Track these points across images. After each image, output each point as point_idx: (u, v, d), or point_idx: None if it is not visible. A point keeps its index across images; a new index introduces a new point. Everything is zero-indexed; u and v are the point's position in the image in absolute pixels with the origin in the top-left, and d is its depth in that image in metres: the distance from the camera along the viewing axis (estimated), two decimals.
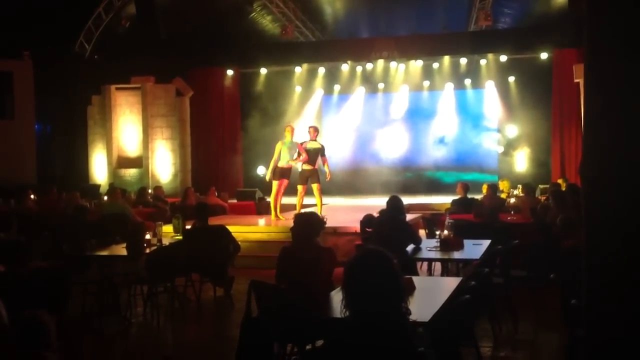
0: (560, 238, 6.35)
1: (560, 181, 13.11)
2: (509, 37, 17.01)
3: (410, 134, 19.60)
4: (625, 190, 2.48)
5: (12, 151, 15.98)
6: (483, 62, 17.81)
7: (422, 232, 9.09)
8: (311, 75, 18.97)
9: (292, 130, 11.47)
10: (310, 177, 11.23)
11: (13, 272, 5.33)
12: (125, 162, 17.44)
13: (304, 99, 19.50)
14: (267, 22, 18.99)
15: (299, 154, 11.23)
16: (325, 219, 8.11)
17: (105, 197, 12.74)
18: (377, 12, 18.08)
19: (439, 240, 6.96)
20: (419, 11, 17.97)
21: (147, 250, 7.33)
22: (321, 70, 18.81)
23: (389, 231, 6.85)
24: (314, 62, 18.31)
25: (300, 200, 11.41)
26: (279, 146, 11.32)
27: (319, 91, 19.60)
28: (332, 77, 19.30)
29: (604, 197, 2.53)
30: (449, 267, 7.54)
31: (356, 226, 9.68)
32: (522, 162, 18.02)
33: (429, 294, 4.73)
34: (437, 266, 8.18)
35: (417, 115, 19.52)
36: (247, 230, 10.89)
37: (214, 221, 9.37)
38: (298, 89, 19.27)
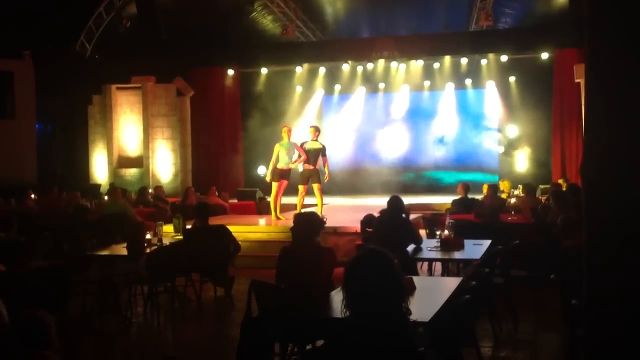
0: (561, 238, 6.35)
1: (560, 181, 13.11)
2: (509, 37, 17.01)
3: (411, 134, 19.59)
4: (626, 190, 2.48)
5: (13, 151, 15.98)
6: (484, 62, 17.80)
7: (422, 232, 9.08)
8: (312, 75, 18.97)
9: (289, 130, 11.47)
10: (311, 177, 11.23)
11: (13, 272, 5.34)
12: (125, 161, 17.44)
13: (305, 99, 19.50)
14: (267, 22, 19.00)
15: (299, 156, 11.25)
16: (325, 219, 8.12)
17: (106, 197, 12.74)
18: (378, 12, 18.08)
19: (439, 240, 6.96)
20: (420, 11, 17.97)
21: (148, 250, 7.33)
22: (322, 70, 18.81)
23: (389, 231, 6.85)
24: (315, 62, 18.30)
25: (301, 200, 11.42)
26: (277, 148, 11.33)
27: (319, 91, 19.60)
28: (332, 77, 19.30)
29: (604, 197, 2.53)
30: (449, 267, 7.54)
31: (356, 226, 9.68)
32: (522, 162, 18.01)
33: (430, 294, 4.73)
34: (438, 266, 8.17)
35: (418, 115, 19.51)
36: (248, 230, 10.89)
37: (214, 221, 9.37)
38: (299, 89, 19.26)
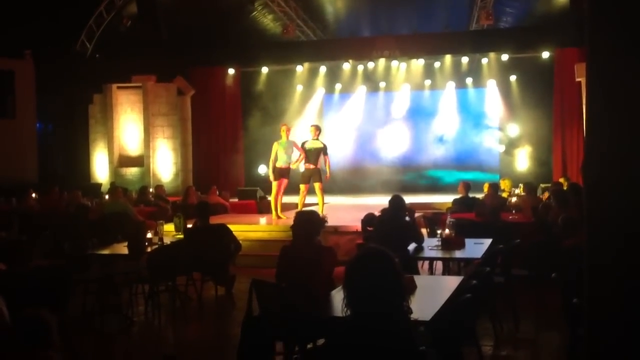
0: (562, 237, 6.35)
1: (561, 180, 13.11)
2: (510, 36, 17.01)
3: (412, 133, 19.58)
4: (628, 190, 2.48)
5: (14, 150, 15.99)
6: (484, 61, 17.79)
7: (423, 231, 9.08)
8: (312, 74, 18.96)
9: (288, 129, 11.48)
10: (313, 176, 11.23)
11: (14, 271, 5.34)
12: (126, 161, 17.44)
13: (305, 98, 19.49)
14: (268, 21, 18.99)
15: (299, 155, 11.27)
16: (325, 218, 8.12)
17: (107, 196, 12.75)
18: (379, 11, 18.07)
19: (440, 239, 6.96)
20: (420, 10, 17.96)
21: (149, 249, 7.34)
22: (322, 69, 18.80)
23: (390, 230, 6.85)
24: (315, 61, 18.30)
25: (302, 200, 11.41)
26: (275, 146, 11.35)
27: (320, 90, 19.59)
28: (333, 76, 19.29)
29: (606, 196, 2.52)
30: (450, 266, 7.54)
31: (357, 225, 9.69)
32: (523, 161, 18.00)
33: (430, 293, 4.73)
34: (439, 265, 8.17)
35: (419, 114, 19.50)
36: (248, 229, 10.89)
37: (215, 220, 9.38)
38: (299, 88, 19.26)
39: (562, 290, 5.00)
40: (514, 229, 8.36)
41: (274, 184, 11.37)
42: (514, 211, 10.32)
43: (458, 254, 6.70)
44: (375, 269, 2.78)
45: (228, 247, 8.14)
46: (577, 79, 14.66)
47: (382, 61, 18.02)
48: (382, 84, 19.23)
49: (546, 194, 11.58)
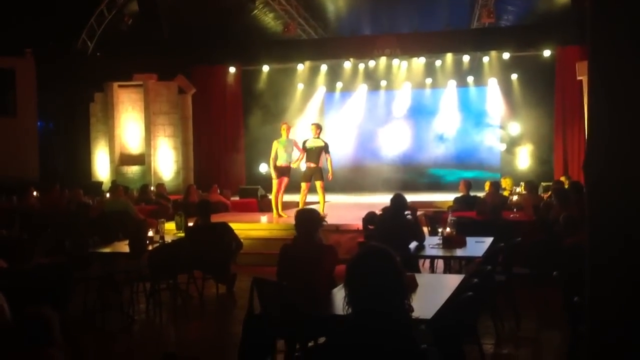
0: (563, 236, 6.35)
1: (563, 179, 13.10)
2: (511, 34, 16.99)
3: (413, 131, 19.58)
4: (630, 189, 2.48)
5: (15, 148, 15.99)
6: (486, 59, 17.78)
7: (424, 230, 9.08)
8: (313, 72, 18.95)
9: (288, 128, 11.48)
10: (314, 174, 11.25)
11: (15, 269, 5.34)
12: (127, 159, 17.44)
13: (306, 97, 19.48)
14: (269, 20, 18.98)
15: (300, 156, 11.28)
16: (325, 216, 8.12)
17: (108, 195, 12.76)
18: (380, 10, 18.05)
19: (441, 237, 6.97)
20: (422, 8, 17.94)
21: (150, 248, 7.34)
22: (323, 68, 18.79)
23: (391, 229, 6.85)
24: (316, 59, 18.29)
25: (303, 198, 11.41)
26: (275, 145, 11.36)
27: (321, 88, 19.58)
28: (334, 75, 19.28)
29: (607, 195, 2.52)
30: (451, 265, 7.54)
31: (358, 224, 9.69)
32: (524, 159, 17.99)
33: (432, 292, 4.73)
34: (440, 263, 8.18)
35: (420, 113, 19.49)
36: (250, 228, 10.90)
37: (216, 218, 9.40)
38: (300, 87, 19.25)
39: (563, 289, 5.00)
40: (515, 227, 8.37)
41: (275, 183, 11.37)
42: (515, 210, 10.32)
43: (459, 252, 6.71)
44: (377, 267, 2.78)
45: (229, 245, 8.15)
46: (579, 78, 14.64)
47: (383, 59, 18.00)
48: (383, 83, 19.21)
49: (548, 193, 11.58)
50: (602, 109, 2.56)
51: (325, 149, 11.24)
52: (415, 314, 2.87)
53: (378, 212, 8.40)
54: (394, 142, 19.53)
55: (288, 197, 12.04)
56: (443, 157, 19.27)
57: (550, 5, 16.57)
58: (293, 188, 12.04)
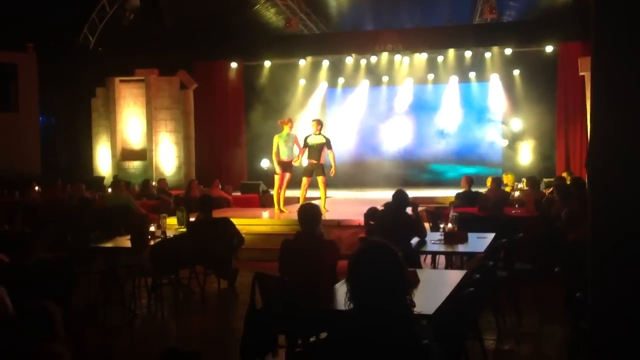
0: (565, 231, 6.34)
1: (564, 174, 13.08)
2: (514, 30, 16.94)
3: (415, 127, 19.56)
4: (632, 185, 2.47)
5: (17, 143, 16.00)
6: (488, 55, 17.75)
7: (426, 225, 9.08)
8: (315, 68, 18.93)
9: (289, 123, 11.44)
10: (315, 169, 11.26)
11: (18, 264, 5.35)
12: (129, 154, 17.45)
13: (308, 92, 19.46)
14: (271, 15, 18.94)
15: (299, 154, 11.27)
16: (325, 211, 8.10)
17: (109, 190, 12.77)
18: (382, 5, 18.00)
19: (443, 233, 6.96)
20: (424, 4, 17.90)
21: (151, 243, 7.35)
22: (325, 63, 18.77)
23: (392, 225, 6.85)
24: (318, 54, 18.26)
25: (304, 193, 11.41)
26: (276, 139, 11.35)
27: (322, 84, 19.55)
28: (336, 70, 19.26)
29: (610, 191, 2.52)
30: (453, 260, 7.53)
31: (360, 219, 9.69)
32: (526, 155, 17.98)
33: (433, 287, 4.73)
34: (441, 259, 8.18)
35: (422, 109, 19.46)
36: (251, 223, 10.90)
37: (217, 214, 9.40)
38: (302, 82, 19.22)
39: (564, 285, 5.00)
40: (517, 223, 8.35)
41: (277, 178, 11.37)
42: (516, 205, 10.32)
43: (461, 248, 6.70)
44: (378, 262, 2.78)
45: (231, 240, 8.16)
46: (581, 73, 14.61)
47: (385, 55, 17.97)
48: (385, 78, 19.19)
49: (550, 189, 11.57)
50: (605, 105, 2.56)
51: (327, 144, 11.24)
52: (416, 310, 2.88)
53: (380, 207, 8.40)
54: (395, 138, 19.51)
55: (289, 193, 12.03)
56: (445, 152, 19.26)
57: (552, 0, 16.52)
58: (293, 183, 12.04)
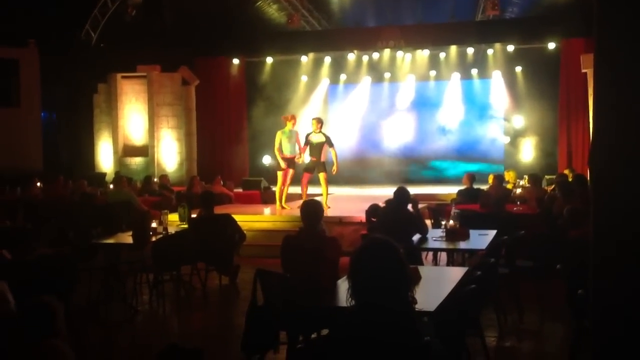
0: (567, 229, 6.34)
1: (566, 172, 13.06)
2: (516, 26, 16.91)
3: (417, 123, 19.55)
4: (634, 182, 2.47)
5: (18, 139, 16.01)
6: (490, 52, 17.73)
7: (427, 222, 9.07)
8: (317, 64, 18.92)
9: (292, 119, 11.43)
10: (317, 167, 11.27)
11: (19, 260, 5.36)
12: (131, 150, 17.46)
13: (310, 88, 19.46)
14: (273, 11, 18.92)
15: (299, 153, 11.28)
16: (327, 208, 8.09)
17: (111, 186, 12.78)
18: (384, 1, 17.99)
19: (444, 230, 6.96)
20: (426, 0, 17.88)
21: (153, 239, 7.35)
22: (327, 60, 18.76)
23: (394, 221, 6.84)
24: (320, 51, 18.25)
25: (304, 189, 11.42)
26: (278, 135, 11.35)
27: (324, 80, 19.55)
28: (338, 67, 19.25)
29: (612, 188, 2.52)
30: (454, 257, 7.53)
31: (362, 216, 9.68)
32: (528, 152, 17.97)
33: (435, 284, 4.73)
34: (443, 256, 8.18)
35: (423, 105, 19.46)
36: (253, 219, 10.90)
37: (219, 210, 9.40)
38: (304, 78, 19.22)
39: (566, 282, 4.99)
40: (519, 220, 8.34)
41: (279, 174, 11.38)
42: (518, 202, 10.30)
43: (462, 245, 6.70)
44: (380, 259, 2.78)
45: (232, 237, 8.15)
46: (583, 70, 14.59)
47: (387, 52, 17.95)
48: (387, 75, 19.18)
49: (552, 186, 11.56)
50: (608, 102, 2.55)
51: (327, 142, 11.25)
52: (418, 307, 2.87)
53: (381, 204, 8.39)
54: (397, 135, 19.52)
55: (290, 190, 12.03)
56: (446, 149, 19.26)
57: None
58: (297, 180, 12.04)
